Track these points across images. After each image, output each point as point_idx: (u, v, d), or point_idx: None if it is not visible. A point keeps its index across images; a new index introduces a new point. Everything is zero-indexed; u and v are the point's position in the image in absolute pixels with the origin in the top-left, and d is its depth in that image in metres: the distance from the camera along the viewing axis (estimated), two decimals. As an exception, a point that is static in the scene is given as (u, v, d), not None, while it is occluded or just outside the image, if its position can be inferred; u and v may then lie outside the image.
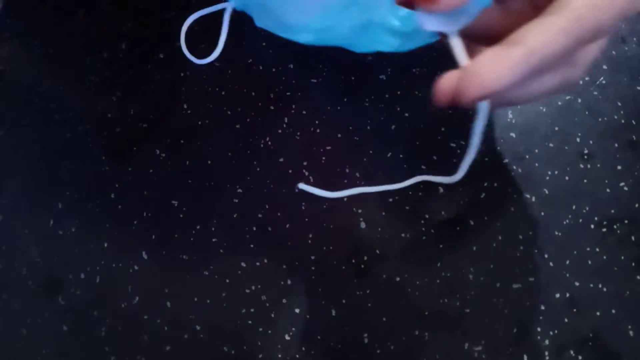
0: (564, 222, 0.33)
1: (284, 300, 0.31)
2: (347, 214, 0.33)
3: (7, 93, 0.37)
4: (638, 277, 0.32)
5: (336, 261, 0.32)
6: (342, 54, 0.37)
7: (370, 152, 0.35)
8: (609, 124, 0.36)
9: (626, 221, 0.33)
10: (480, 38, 0.23)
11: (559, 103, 0.36)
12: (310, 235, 0.33)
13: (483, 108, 0.23)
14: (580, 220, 0.33)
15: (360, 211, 0.33)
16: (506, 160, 0.35)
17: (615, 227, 0.33)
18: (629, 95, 0.37)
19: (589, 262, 0.32)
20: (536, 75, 0.22)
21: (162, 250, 0.32)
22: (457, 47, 0.23)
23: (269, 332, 0.31)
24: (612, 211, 0.33)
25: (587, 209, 0.33)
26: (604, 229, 0.33)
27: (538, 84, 0.23)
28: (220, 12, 0.37)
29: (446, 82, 0.22)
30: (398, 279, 0.32)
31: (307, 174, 0.34)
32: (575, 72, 0.24)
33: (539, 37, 0.20)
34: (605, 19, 0.20)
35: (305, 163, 0.34)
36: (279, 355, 0.30)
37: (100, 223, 0.33)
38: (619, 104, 0.36)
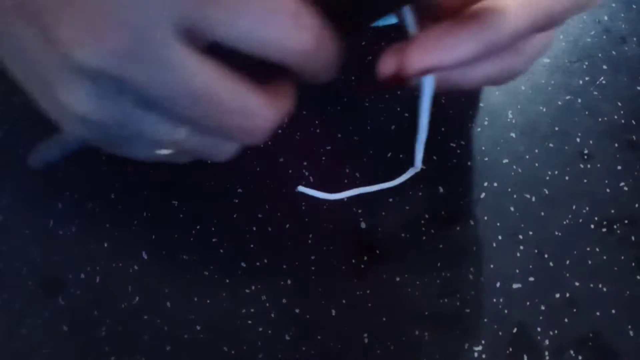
0: (564, 222, 0.33)
1: (284, 300, 0.31)
2: (347, 214, 0.33)
3: (7, 93, 0.37)
4: (638, 277, 0.32)
5: (336, 261, 0.32)
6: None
7: (370, 152, 0.35)
8: (609, 124, 0.36)
9: (626, 221, 0.33)
10: (438, 14, 0.22)
11: (559, 103, 0.36)
12: (310, 235, 0.33)
13: (428, 84, 0.21)
14: (580, 220, 0.33)
15: (360, 211, 0.33)
16: (506, 160, 0.35)
17: (615, 227, 0.33)
18: (628, 95, 0.37)
19: (589, 262, 0.32)
20: (484, 57, 0.20)
21: (162, 250, 0.32)
22: (408, 15, 0.21)
23: (269, 332, 0.31)
24: (612, 211, 0.33)
25: (587, 209, 0.33)
26: (604, 229, 0.33)
27: (481, 68, 0.22)
28: None
29: (391, 54, 0.21)
30: (398, 279, 0.32)
31: (307, 174, 0.34)
32: (519, 62, 0.22)
33: (493, 15, 0.19)
34: (561, 3, 0.20)
35: (305, 163, 0.34)
36: (279, 355, 0.30)
37: (100, 223, 0.33)
38: (619, 104, 0.36)
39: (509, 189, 0.34)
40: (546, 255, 0.32)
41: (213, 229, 0.33)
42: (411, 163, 0.35)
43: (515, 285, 0.31)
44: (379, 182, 0.34)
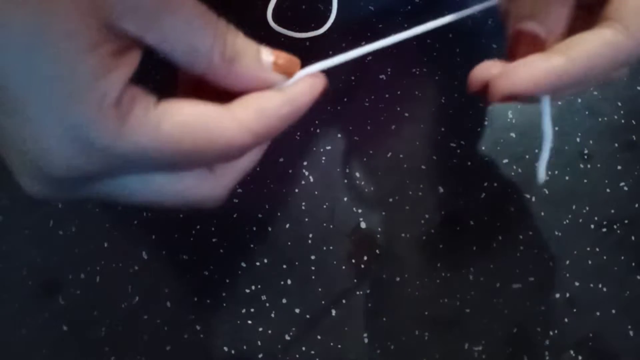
0: (564, 222, 0.33)
1: (284, 300, 0.31)
2: (347, 213, 0.33)
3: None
4: (638, 277, 0.32)
5: (336, 261, 0.32)
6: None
7: (370, 152, 0.35)
8: (609, 124, 0.36)
9: (626, 221, 0.33)
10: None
11: (559, 103, 0.36)
12: (310, 235, 0.33)
13: (545, 102, 0.24)
14: (580, 220, 0.33)
15: (360, 211, 0.33)
16: (506, 160, 0.35)
17: (615, 227, 0.33)
18: (628, 95, 0.37)
19: (589, 262, 0.32)
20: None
21: (162, 250, 0.32)
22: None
23: (269, 332, 0.31)
24: (612, 211, 0.33)
25: (587, 209, 0.33)
26: (604, 229, 0.33)
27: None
28: None
29: (479, 73, 0.23)
30: (398, 279, 0.32)
31: (307, 174, 0.34)
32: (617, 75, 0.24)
33: (583, 50, 0.20)
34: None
35: (305, 163, 0.34)
36: (279, 356, 0.30)
37: (100, 223, 0.33)
38: (619, 104, 0.36)
39: (509, 189, 0.34)
40: (546, 255, 0.32)
41: (213, 229, 0.33)
42: (412, 162, 0.35)
43: (515, 285, 0.31)
44: (378, 181, 0.34)
